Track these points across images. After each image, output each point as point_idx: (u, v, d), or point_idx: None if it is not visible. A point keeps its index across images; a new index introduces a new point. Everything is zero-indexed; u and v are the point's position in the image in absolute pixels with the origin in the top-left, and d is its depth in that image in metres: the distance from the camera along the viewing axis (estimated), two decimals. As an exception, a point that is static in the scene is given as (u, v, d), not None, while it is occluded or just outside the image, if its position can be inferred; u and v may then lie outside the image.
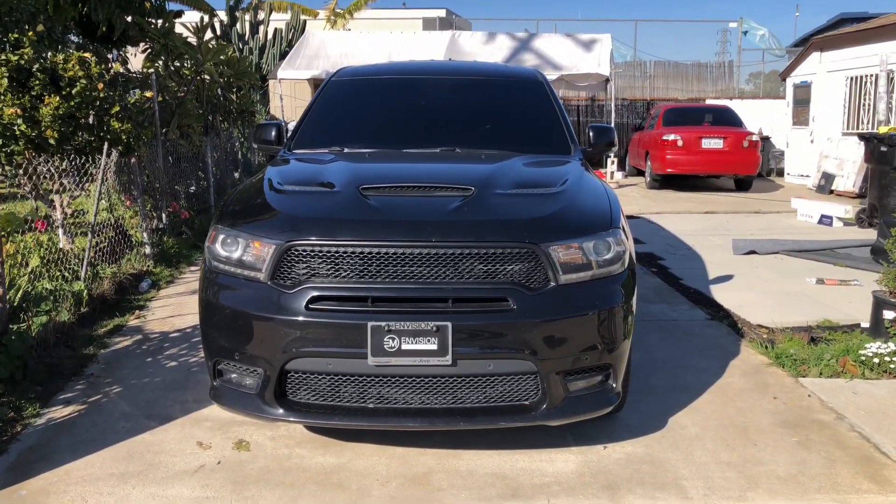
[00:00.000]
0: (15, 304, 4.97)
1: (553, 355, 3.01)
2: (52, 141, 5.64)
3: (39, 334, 4.72)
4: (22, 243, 5.64)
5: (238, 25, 21.97)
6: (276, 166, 4.03)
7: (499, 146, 4.21)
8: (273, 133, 4.55)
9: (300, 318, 2.96)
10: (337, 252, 3.01)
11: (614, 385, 3.22)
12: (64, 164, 6.02)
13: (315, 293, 2.98)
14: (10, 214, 4.00)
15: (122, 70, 8.39)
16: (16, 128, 5.58)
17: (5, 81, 5.63)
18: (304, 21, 22.73)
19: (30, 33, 5.82)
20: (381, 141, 4.41)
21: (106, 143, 5.94)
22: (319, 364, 3.01)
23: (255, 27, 22.18)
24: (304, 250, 3.03)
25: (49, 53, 5.82)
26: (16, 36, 5.79)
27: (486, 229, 3.04)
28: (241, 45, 20.67)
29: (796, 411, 3.85)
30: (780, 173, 17.18)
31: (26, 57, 5.74)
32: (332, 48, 16.42)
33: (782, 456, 3.37)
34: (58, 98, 5.62)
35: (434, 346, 2.90)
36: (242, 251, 3.15)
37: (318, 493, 3.08)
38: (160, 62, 8.78)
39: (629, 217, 10.66)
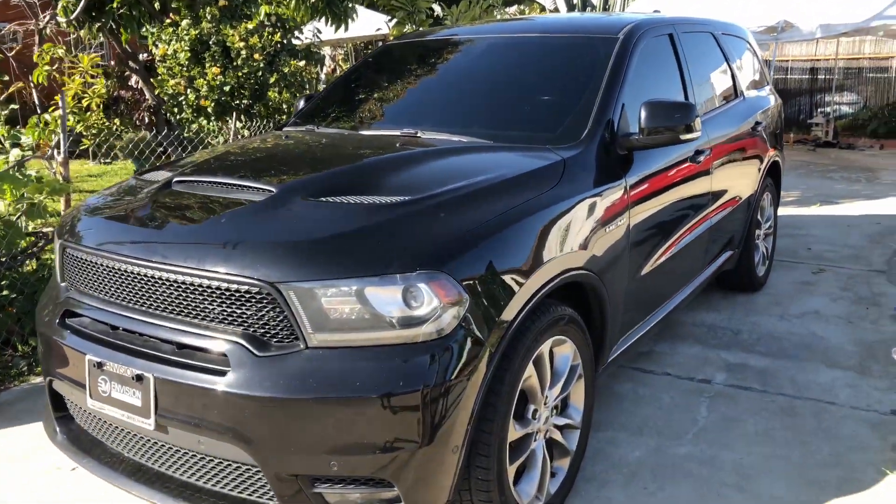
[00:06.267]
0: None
1: (279, 450, 2.07)
2: (209, 110, 5.99)
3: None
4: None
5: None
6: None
7: (477, 128, 3.14)
8: (301, 104, 4.11)
9: (50, 334, 2.53)
10: (83, 259, 2.48)
11: (404, 512, 2.11)
12: (244, 130, 6.41)
13: (65, 307, 2.51)
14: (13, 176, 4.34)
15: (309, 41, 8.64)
16: (181, 98, 6.05)
17: (183, 55, 6.13)
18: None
19: (210, 8, 6.22)
20: (356, 120, 3.62)
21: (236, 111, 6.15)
22: (67, 391, 2.55)
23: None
24: (69, 253, 2.57)
25: (220, 26, 6.14)
26: (201, 13, 6.26)
27: (214, 254, 2.14)
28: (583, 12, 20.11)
29: None
30: None
31: (205, 31, 6.15)
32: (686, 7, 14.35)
33: None
34: (216, 69, 5.92)
35: (138, 402, 2.22)
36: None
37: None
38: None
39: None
